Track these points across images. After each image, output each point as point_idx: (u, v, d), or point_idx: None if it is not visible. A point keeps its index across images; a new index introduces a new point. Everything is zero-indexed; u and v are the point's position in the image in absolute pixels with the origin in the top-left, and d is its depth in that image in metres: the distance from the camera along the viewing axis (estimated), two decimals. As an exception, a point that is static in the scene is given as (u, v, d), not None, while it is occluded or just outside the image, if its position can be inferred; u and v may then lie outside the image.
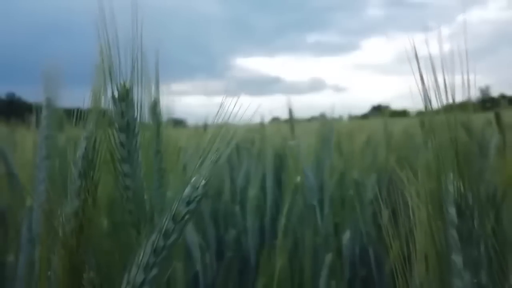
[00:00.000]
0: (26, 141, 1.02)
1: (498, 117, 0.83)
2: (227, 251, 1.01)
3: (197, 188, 0.25)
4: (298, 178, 0.90)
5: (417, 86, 0.24)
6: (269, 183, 1.04)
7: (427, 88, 0.24)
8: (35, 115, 0.40)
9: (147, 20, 0.26)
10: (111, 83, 0.26)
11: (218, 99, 0.26)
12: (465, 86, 0.24)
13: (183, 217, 0.24)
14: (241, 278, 1.01)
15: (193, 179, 0.25)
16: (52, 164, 0.38)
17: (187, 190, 0.25)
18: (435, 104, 0.24)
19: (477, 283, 0.22)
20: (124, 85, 0.27)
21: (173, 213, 0.24)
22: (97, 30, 0.25)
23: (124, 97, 0.27)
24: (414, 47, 0.24)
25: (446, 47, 0.23)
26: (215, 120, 0.26)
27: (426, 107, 0.24)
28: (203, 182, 0.25)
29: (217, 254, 1.01)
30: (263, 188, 1.05)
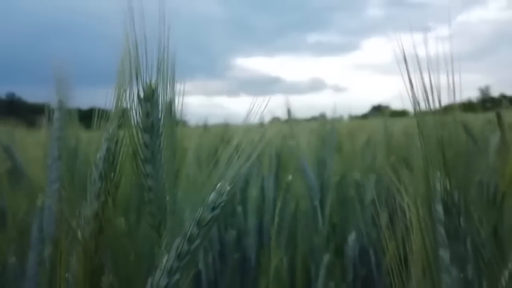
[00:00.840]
0: (26, 141, 1.01)
1: (499, 117, 0.83)
2: (229, 251, 1.01)
3: (222, 194, 0.25)
4: (290, 177, 0.90)
5: (405, 87, 0.25)
6: (268, 183, 1.04)
7: (415, 89, 0.24)
8: (47, 116, 0.39)
9: (149, 21, 0.26)
10: (137, 83, 0.26)
11: (218, 99, 0.26)
12: (450, 87, 0.24)
13: (208, 222, 0.24)
14: (242, 278, 1.01)
15: (219, 184, 0.25)
16: (65, 164, 0.38)
17: (212, 196, 0.25)
18: (425, 105, 0.24)
19: (464, 278, 0.23)
20: (150, 85, 0.26)
21: (198, 219, 0.24)
22: (124, 30, 0.25)
23: (150, 97, 0.26)
24: (403, 48, 0.25)
25: (444, 47, 0.24)
26: (215, 120, 0.26)
27: (414, 108, 0.25)
28: (228, 188, 0.25)
29: (219, 253, 1.01)
30: (263, 188, 1.05)
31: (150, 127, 0.27)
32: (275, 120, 1.62)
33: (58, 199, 0.36)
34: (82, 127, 0.43)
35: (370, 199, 0.96)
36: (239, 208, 1.03)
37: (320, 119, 1.16)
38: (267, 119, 1.48)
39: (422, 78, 0.24)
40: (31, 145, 0.94)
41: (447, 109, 0.25)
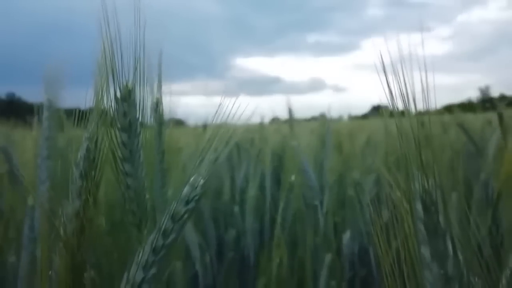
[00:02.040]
0: (26, 141, 1.02)
1: (501, 118, 0.83)
2: (227, 251, 1.02)
3: (196, 187, 0.25)
4: (293, 177, 0.90)
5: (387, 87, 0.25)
6: (268, 183, 1.04)
7: (393, 91, 0.25)
8: (37, 115, 0.40)
9: (148, 20, 0.26)
10: (114, 83, 0.26)
11: (218, 99, 0.27)
12: (429, 89, 0.24)
13: (182, 216, 0.25)
14: (240, 278, 1.01)
15: (192, 178, 0.25)
16: (53, 164, 0.38)
17: (186, 190, 0.25)
18: (405, 106, 0.25)
19: (444, 274, 0.23)
20: (127, 86, 0.27)
21: (172, 213, 0.25)
22: (99, 30, 0.25)
23: (127, 97, 0.27)
24: (398, 49, 0.25)
25: (443, 47, 0.24)
26: (215, 120, 0.26)
27: (393, 109, 0.25)
28: (202, 181, 0.25)
29: (217, 254, 1.01)
30: (262, 188, 1.05)
31: (128, 126, 0.27)
32: (275, 120, 1.63)
33: (47, 199, 0.37)
34: (82, 127, 0.44)
35: (369, 199, 0.96)
36: (236, 208, 1.03)
37: (320, 119, 1.16)
38: (267, 119, 1.48)
39: (411, 79, 0.25)
40: (30, 145, 0.95)
41: (446, 110, 0.25)
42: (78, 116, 0.28)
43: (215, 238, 1.01)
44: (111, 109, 0.27)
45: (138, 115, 0.27)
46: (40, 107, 0.40)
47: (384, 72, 0.24)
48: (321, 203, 0.93)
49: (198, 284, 0.90)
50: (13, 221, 0.67)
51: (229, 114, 0.26)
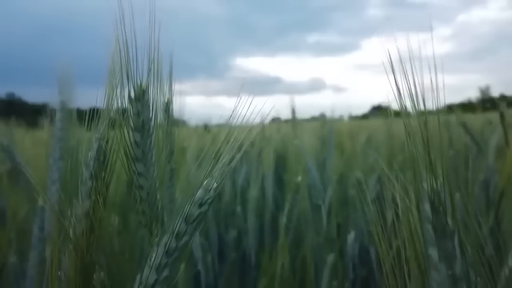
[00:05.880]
0: (26, 141, 1.02)
1: (502, 117, 0.83)
2: (229, 251, 1.02)
3: (209, 190, 0.25)
4: (299, 178, 0.90)
5: (397, 87, 0.25)
6: (270, 183, 1.04)
7: (401, 90, 0.25)
8: (49, 116, 0.39)
9: (142, 21, 0.26)
10: (128, 83, 0.26)
11: (218, 99, 0.27)
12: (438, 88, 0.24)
13: (195, 219, 0.25)
14: (242, 278, 1.01)
15: (205, 181, 0.25)
16: (64, 164, 0.38)
17: (199, 193, 0.25)
18: (412, 106, 0.25)
19: (452, 274, 0.23)
20: (141, 86, 0.27)
21: (185, 215, 0.25)
22: (110, 30, 0.25)
23: (140, 97, 0.27)
24: (398, 49, 0.25)
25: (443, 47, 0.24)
26: (215, 121, 0.26)
27: (401, 109, 0.25)
28: (215, 184, 0.25)
29: (219, 254, 1.01)
30: (263, 188, 1.05)
31: (141, 126, 0.27)
32: (275, 120, 1.63)
33: (58, 199, 0.37)
34: (82, 128, 0.43)
35: (371, 198, 0.95)
36: (238, 208, 1.03)
37: (320, 119, 1.16)
38: (267, 119, 1.48)
39: (414, 79, 0.24)
40: (31, 145, 0.95)
41: (447, 110, 0.25)
42: (85, 116, 0.28)
43: (217, 238, 1.01)
44: (122, 109, 0.27)
45: (151, 115, 0.28)
46: (48, 107, 0.40)
47: (385, 72, 0.24)
48: (324, 202, 0.93)
49: (200, 283, 0.90)
50: (14, 221, 0.66)
51: (229, 114, 0.26)
